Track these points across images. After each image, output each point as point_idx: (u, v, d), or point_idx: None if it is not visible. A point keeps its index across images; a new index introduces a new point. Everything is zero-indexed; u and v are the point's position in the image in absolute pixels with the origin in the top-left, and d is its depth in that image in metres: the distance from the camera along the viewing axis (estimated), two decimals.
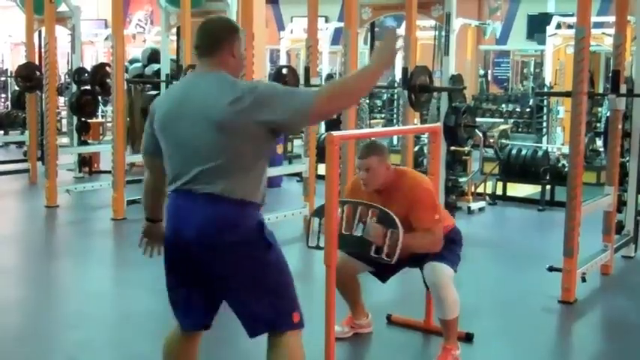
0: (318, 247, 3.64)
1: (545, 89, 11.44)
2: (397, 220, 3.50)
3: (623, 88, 5.58)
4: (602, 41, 11.03)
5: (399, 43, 2.57)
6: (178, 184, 2.63)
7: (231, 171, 2.56)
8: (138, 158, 10.10)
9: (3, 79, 16.13)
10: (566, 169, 6.77)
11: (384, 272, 3.97)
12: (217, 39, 2.66)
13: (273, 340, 2.67)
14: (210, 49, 2.66)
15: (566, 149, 8.27)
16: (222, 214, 2.57)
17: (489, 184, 8.55)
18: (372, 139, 4.18)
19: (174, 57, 8.65)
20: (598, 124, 10.26)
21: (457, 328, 3.81)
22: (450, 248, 3.85)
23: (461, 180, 7.33)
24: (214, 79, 2.62)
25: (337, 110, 2.57)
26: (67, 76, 11.34)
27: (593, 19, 6.26)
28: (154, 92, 9.48)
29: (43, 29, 8.34)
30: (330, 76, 13.22)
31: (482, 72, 15.85)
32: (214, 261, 2.60)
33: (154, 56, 10.32)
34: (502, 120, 12.63)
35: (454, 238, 3.93)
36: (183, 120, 2.61)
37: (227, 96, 2.54)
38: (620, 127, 5.68)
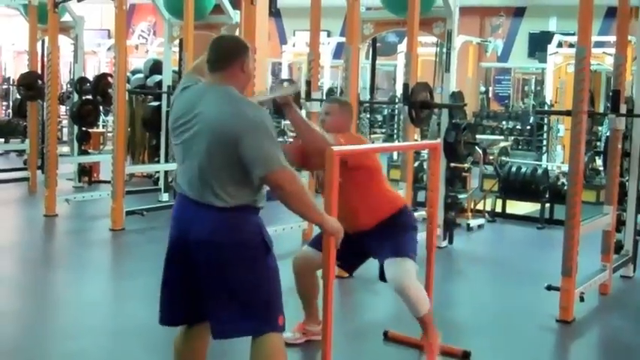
0: None
1: (546, 107, 11.45)
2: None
3: (623, 108, 5.58)
4: (603, 60, 11.07)
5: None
6: (182, 188, 2.85)
7: (230, 180, 2.76)
8: (138, 169, 10.13)
9: (5, 87, 16.16)
10: (565, 188, 6.77)
11: (349, 263, 4.04)
12: (228, 55, 2.88)
13: (258, 340, 2.82)
14: (222, 64, 2.87)
15: (565, 167, 8.26)
16: (226, 219, 2.77)
17: (489, 201, 8.55)
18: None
19: (177, 68, 8.67)
20: (598, 143, 10.25)
21: (432, 317, 3.85)
22: (407, 235, 3.87)
23: (460, 197, 7.33)
24: (223, 93, 2.81)
25: (281, 192, 2.76)
26: (68, 86, 11.35)
27: (594, 38, 6.29)
28: (155, 103, 9.50)
29: (47, 38, 8.36)
30: (331, 90, 13.25)
31: (483, 89, 15.88)
32: (216, 261, 2.77)
33: (156, 67, 10.34)
34: (502, 137, 12.64)
35: (407, 222, 3.94)
36: (189, 128, 2.82)
37: (232, 122, 2.72)
38: (619, 146, 5.68)
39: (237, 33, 8.12)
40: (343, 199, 3.62)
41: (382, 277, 3.87)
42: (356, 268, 4.19)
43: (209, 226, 2.75)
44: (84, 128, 9.36)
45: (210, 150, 2.73)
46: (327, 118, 3.96)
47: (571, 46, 11.40)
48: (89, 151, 10.00)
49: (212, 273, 2.78)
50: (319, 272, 3.51)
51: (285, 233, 6.54)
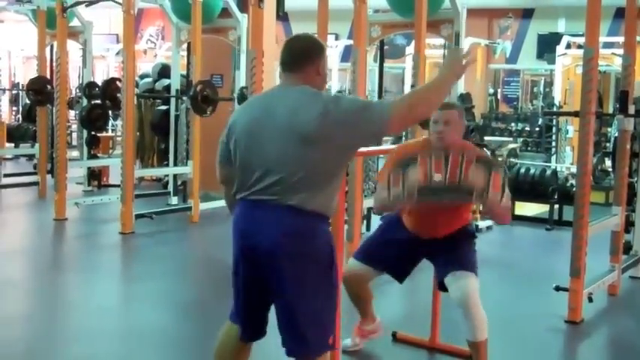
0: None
1: (555, 109, 11.44)
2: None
3: (631, 109, 5.57)
4: (612, 61, 11.04)
5: (470, 56, 2.76)
6: (252, 193, 2.66)
7: (311, 183, 2.60)
8: (147, 172, 10.17)
9: (15, 92, 16.24)
10: (574, 189, 6.76)
11: (401, 272, 3.94)
12: (304, 57, 2.75)
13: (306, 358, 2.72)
14: (297, 65, 2.74)
15: (575, 169, 8.25)
16: (299, 225, 2.61)
17: None
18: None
19: (185, 72, 8.70)
20: (607, 144, 10.24)
21: (487, 349, 3.65)
22: (471, 247, 3.78)
23: None
24: (299, 92, 2.68)
25: (413, 121, 2.71)
26: (77, 90, 11.40)
27: (604, 39, 6.28)
28: (163, 107, 9.54)
29: (55, 43, 8.41)
30: (339, 93, 13.27)
31: (491, 91, 15.86)
32: (284, 271, 2.61)
33: (164, 71, 10.39)
34: (511, 139, 12.63)
35: (472, 231, 3.86)
36: (266, 131, 2.65)
37: (313, 109, 2.59)
38: (628, 147, 5.67)
39: (244, 37, 8.17)
40: (427, 209, 3.59)
41: (441, 286, 3.76)
42: (407, 275, 3.99)
43: (281, 231, 2.59)
44: (93, 132, 9.40)
45: (297, 151, 2.58)
46: (447, 128, 3.50)
47: (580, 47, 11.37)
48: (98, 155, 10.03)
49: (279, 287, 2.64)
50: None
51: None
